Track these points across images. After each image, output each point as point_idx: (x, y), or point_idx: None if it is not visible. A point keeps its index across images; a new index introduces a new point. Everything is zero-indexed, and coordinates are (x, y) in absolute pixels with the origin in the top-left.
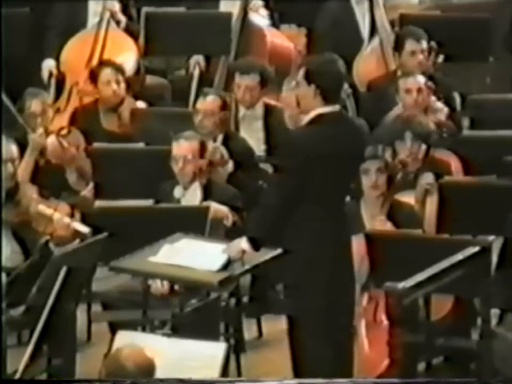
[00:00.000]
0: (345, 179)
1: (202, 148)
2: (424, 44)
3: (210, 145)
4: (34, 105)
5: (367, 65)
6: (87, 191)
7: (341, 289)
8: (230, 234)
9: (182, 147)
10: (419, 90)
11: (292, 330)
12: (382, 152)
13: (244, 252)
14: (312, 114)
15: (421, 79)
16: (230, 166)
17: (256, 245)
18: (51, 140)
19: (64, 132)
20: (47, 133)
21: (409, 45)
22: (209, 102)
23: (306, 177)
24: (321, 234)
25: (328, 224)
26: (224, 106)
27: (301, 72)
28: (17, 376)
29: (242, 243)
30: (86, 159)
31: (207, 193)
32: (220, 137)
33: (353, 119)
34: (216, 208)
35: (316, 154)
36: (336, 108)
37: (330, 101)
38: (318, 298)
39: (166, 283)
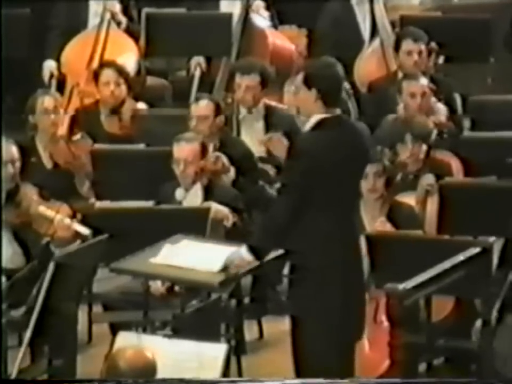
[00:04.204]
0: (350, 183)
1: (203, 149)
2: (422, 44)
3: (211, 154)
4: (47, 101)
5: (367, 66)
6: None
7: (349, 291)
8: (230, 235)
9: (183, 149)
10: (423, 94)
11: (294, 330)
12: (380, 155)
13: (246, 262)
14: (314, 120)
15: (425, 82)
16: (232, 173)
17: (259, 254)
18: (60, 145)
19: (77, 137)
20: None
21: (406, 45)
22: (202, 106)
23: (313, 183)
24: (329, 239)
25: (336, 228)
26: (218, 110)
27: (300, 77)
28: (13, 376)
29: (244, 254)
30: None
31: (208, 195)
32: (217, 143)
33: (354, 123)
34: (217, 209)
35: (320, 160)
36: (337, 112)
37: (330, 105)
38: (326, 300)
39: (165, 283)
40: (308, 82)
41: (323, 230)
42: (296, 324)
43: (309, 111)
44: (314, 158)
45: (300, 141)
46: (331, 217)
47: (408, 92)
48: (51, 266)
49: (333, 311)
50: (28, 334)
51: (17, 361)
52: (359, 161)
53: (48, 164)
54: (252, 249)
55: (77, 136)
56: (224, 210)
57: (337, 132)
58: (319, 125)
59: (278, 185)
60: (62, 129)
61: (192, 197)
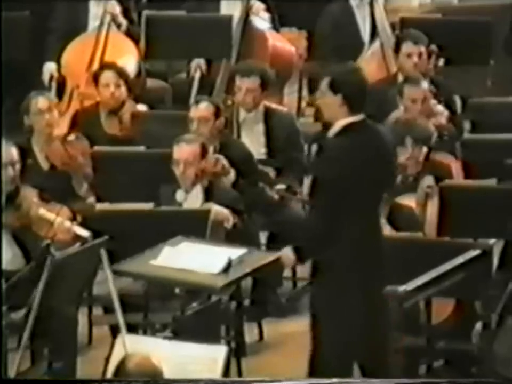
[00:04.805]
0: (375, 186)
1: (204, 150)
2: (422, 47)
3: (211, 156)
4: (41, 102)
5: (367, 68)
6: (93, 199)
7: (373, 293)
8: (230, 237)
9: (183, 151)
10: (424, 99)
11: (314, 331)
12: None
13: (291, 261)
14: (339, 125)
15: (425, 86)
16: (232, 175)
17: (301, 256)
18: (56, 146)
19: (71, 137)
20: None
21: (406, 47)
22: (202, 109)
23: (342, 188)
24: (354, 242)
25: (361, 231)
26: (218, 112)
27: (325, 82)
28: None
29: (290, 253)
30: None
31: (209, 196)
32: (218, 145)
33: (378, 127)
34: (217, 210)
35: (348, 165)
36: (361, 116)
37: (355, 110)
38: (349, 302)
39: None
40: (333, 88)
41: (349, 233)
42: (316, 324)
43: (333, 116)
44: (342, 163)
45: (327, 147)
46: (357, 220)
47: (410, 97)
48: (51, 269)
49: (356, 313)
50: (25, 336)
51: (15, 363)
52: (383, 164)
53: (44, 165)
54: (296, 251)
55: (72, 137)
56: (224, 212)
57: (363, 136)
58: (344, 129)
59: (278, 187)
60: (61, 131)
61: (192, 199)
